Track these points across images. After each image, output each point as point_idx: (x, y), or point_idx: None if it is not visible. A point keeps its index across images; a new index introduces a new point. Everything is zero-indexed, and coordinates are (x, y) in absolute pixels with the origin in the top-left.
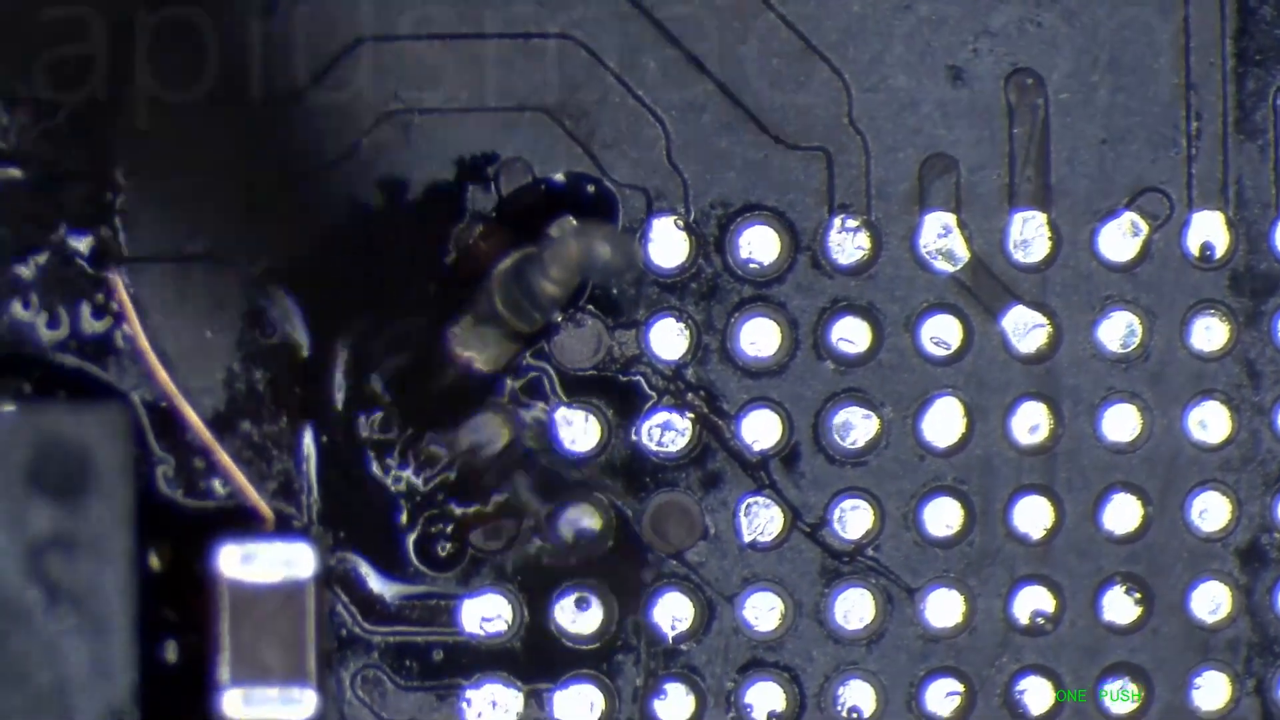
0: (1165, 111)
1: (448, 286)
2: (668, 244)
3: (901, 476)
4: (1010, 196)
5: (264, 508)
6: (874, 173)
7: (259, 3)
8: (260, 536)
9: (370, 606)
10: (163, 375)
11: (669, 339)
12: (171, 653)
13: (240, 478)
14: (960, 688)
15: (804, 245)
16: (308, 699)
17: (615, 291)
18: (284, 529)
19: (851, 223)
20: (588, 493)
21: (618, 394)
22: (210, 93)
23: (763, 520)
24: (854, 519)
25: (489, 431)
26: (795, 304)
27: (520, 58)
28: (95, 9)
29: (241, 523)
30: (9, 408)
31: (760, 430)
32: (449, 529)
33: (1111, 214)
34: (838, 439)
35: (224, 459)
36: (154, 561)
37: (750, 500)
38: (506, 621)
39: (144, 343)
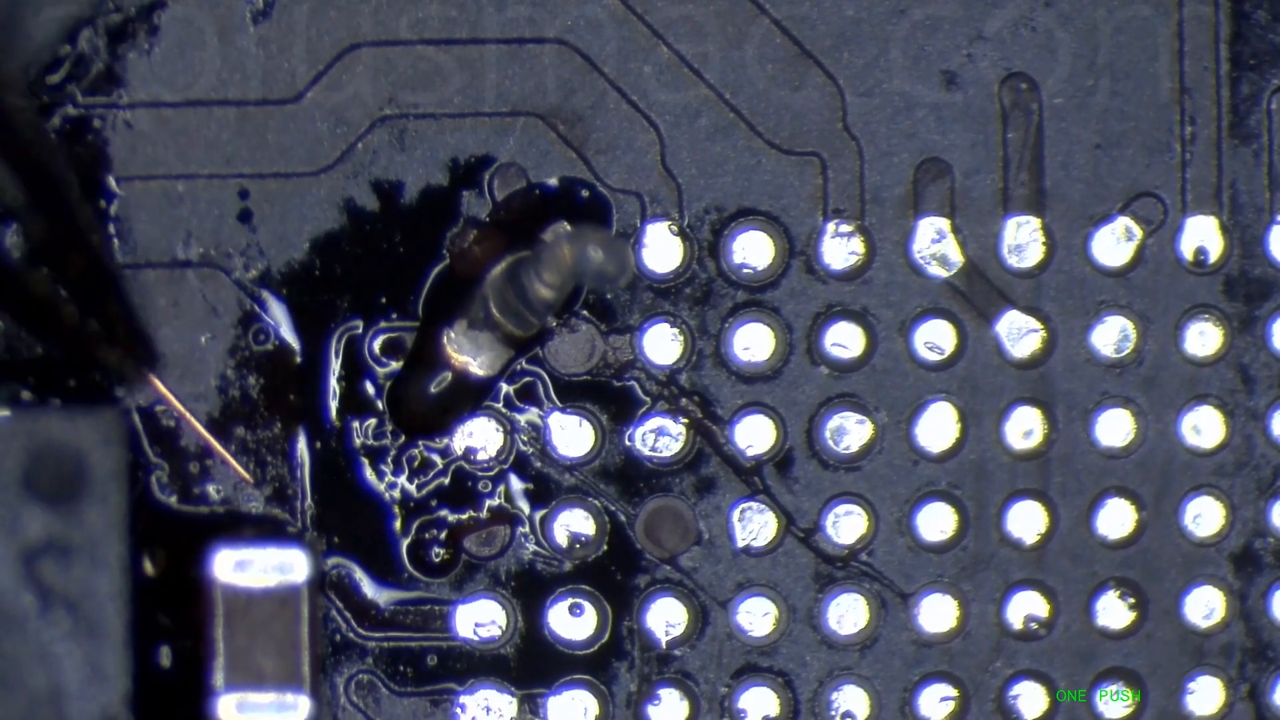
0: (1159, 116)
1: (442, 291)
2: (661, 249)
3: (895, 482)
4: (1004, 201)
5: (244, 473)
6: (868, 178)
7: (256, 6)
8: (255, 542)
9: (364, 612)
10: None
11: (663, 344)
12: (166, 658)
13: (219, 448)
14: (954, 693)
15: (798, 250)
16: (302, 704)
17: (609, 297)
18: (278, 535)
19: (845, 228)
20: (582, 498)
21: (612, 399)
22: (207, 96)
23: (756, 525)
24: (847, 524)
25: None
26: (789, 309)
27: (515, 63)
28: (93, 10)
29: (236, 528)
30: (3, 413)
31: (754, 435)
32: (442, 535)
33: (1105, 219)
34: (831, 444)
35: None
36: (148, 567)
37: (744, 505)
38: (500, 627)
39: (202, 431)
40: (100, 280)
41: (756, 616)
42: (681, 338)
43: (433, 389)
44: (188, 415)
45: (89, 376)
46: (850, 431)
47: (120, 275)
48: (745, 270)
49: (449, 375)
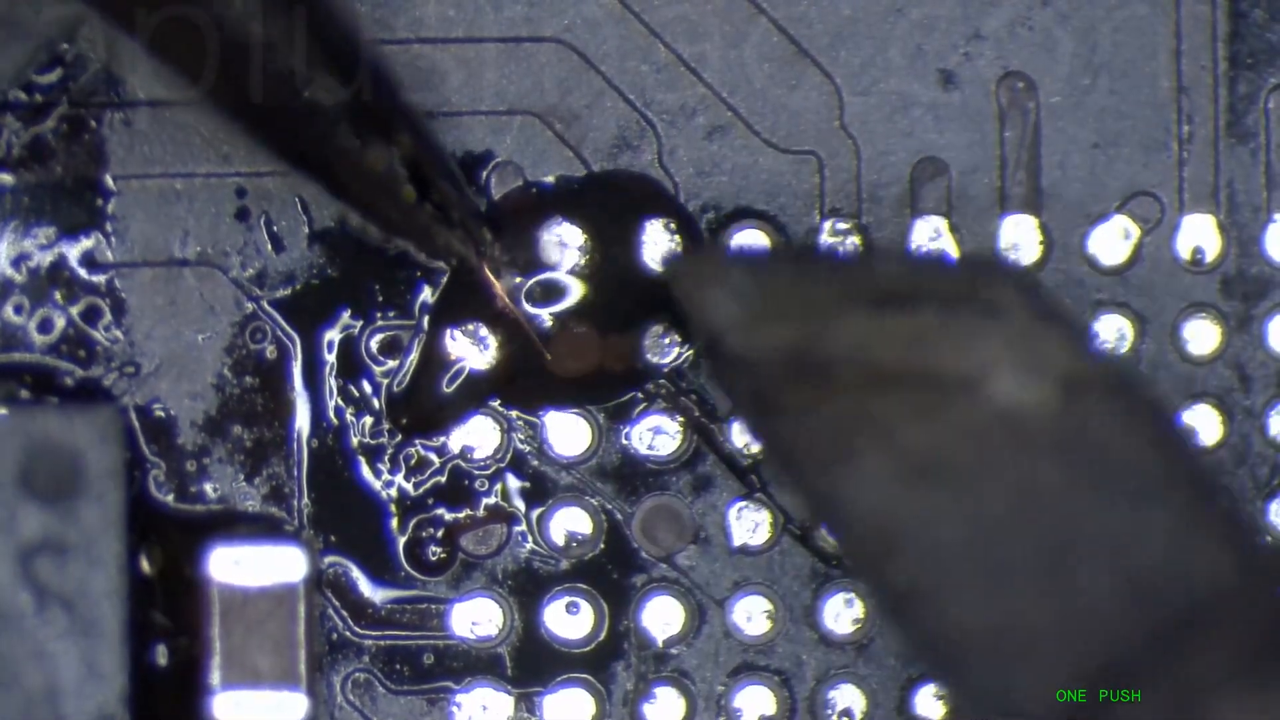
0: (1157, 115)
1: (440, 289)
2: (659, 248)
3: None
4: (1001, 200)
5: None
6: (865, 176)
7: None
8: (251, 540)
9: (361, 610)
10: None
11: (661, 342)
12: (162, 657)
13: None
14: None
15: None
16: (298, 703)
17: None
18: (275, 533)
19: (842, 226)
20: (578, 496)
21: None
22: (205, 95)
23: (753, 524)
24: None
25: None
26: None
27: (512, 62)
28: (92, 9)
29: (233, 526)
30: (1, 412)
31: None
32: (439, 533)
33: (1103, 218)
34: None
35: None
36: (145, 565)
37: (741, 504)
38: (497, 626)
39: (514, 311)
40: (430, 161)
41: (753, 615)
42: (679, 336)
43: (437, 388)
44: (507, 300)
45: (86, 375)
46: None
47: (450, 158)
48: None
49: (451, 373)
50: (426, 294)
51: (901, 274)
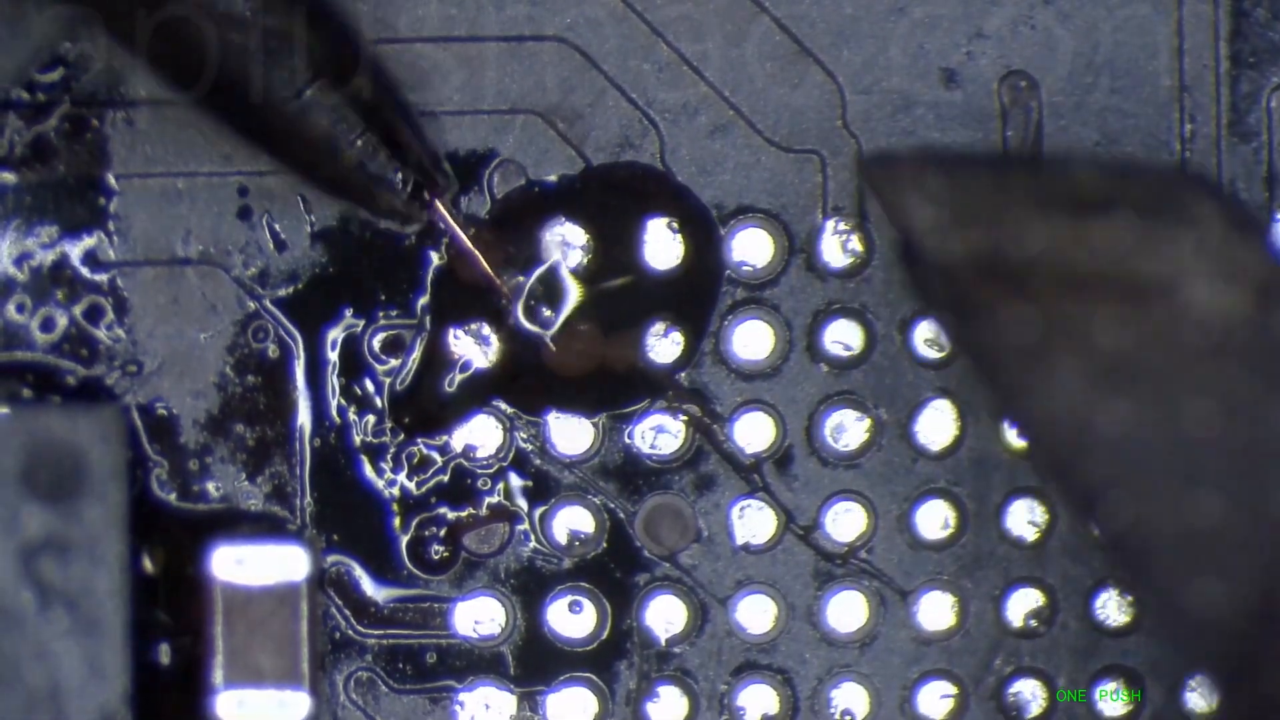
0: (1159, 114)
1: (441, 289)
2: (661, 246)
3: (894, 479)
4: None
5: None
6: None
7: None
8: (254, 539)
9: (364, 609)
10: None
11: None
12: (165, 656)
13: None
14: (953, 690)
15: (797, 248)
16: (301, 702)
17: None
18: (278, 532)
19: (845, 225)
20: (581, 495)
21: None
22: (207, 95)
23: (756, 523)
24: (847, 522)
25: None
26: (788, 306)
27: (514, 61)
28: (93, 9)
29: (236, 525)
30: (3, 410)
31: (753, 433)
32: (442, 532)
33: None
34: (831, 442)
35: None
36: (147, 564)
37: (743, 503)
38: (500, 624)
39: (469, 246)
40: (388, 103)
41: (756, 614)
42: (681, 335)
43: (439, 386)
44: (467, 241)
45: (88, 374)
46: (849, 429)
47: (406, 97)
48: (745, 268)
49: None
50: (429, 293)
51: (1098, 180)
